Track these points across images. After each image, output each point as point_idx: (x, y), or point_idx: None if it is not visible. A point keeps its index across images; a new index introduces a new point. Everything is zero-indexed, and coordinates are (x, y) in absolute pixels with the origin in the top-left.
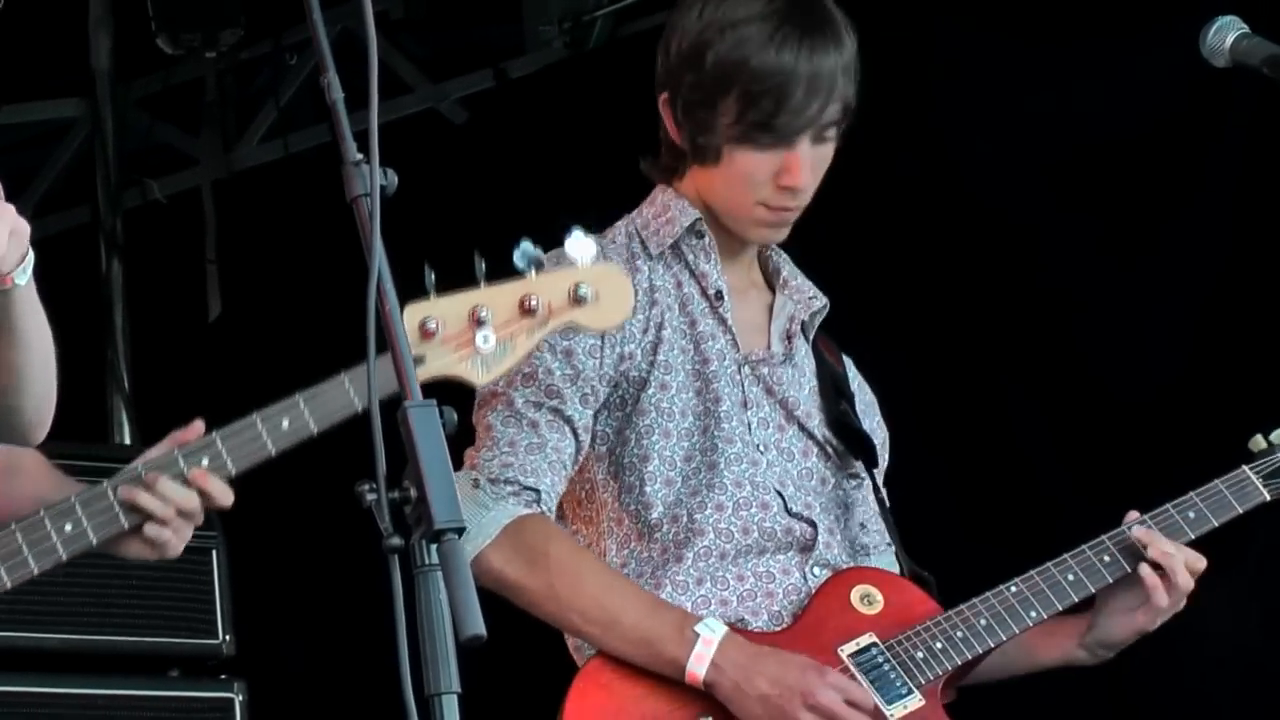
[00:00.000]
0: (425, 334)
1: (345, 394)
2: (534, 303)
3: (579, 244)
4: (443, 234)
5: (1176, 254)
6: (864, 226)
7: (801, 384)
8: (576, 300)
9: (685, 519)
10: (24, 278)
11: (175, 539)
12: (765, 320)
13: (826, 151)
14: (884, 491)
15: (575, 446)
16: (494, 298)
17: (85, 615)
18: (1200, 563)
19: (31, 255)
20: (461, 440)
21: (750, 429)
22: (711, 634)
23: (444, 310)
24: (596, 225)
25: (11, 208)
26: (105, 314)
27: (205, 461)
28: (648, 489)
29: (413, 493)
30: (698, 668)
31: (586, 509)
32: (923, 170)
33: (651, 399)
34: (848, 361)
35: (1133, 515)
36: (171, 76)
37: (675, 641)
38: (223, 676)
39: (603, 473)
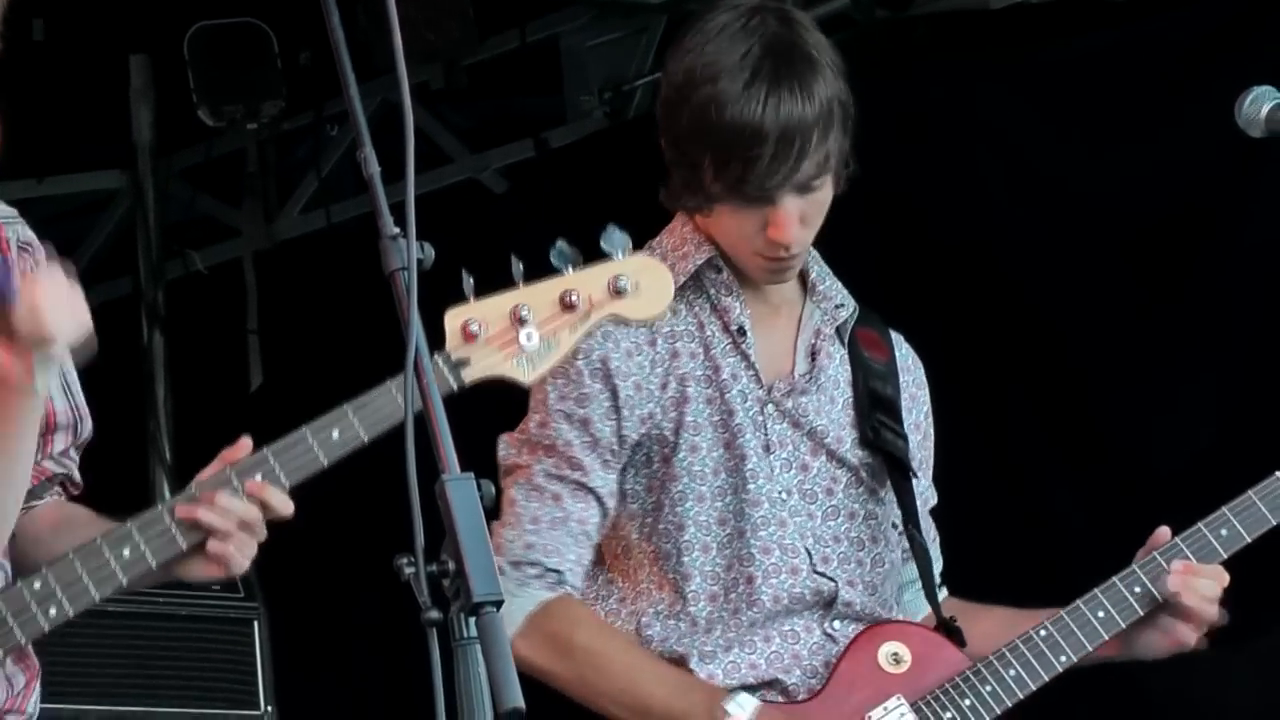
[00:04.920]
0: (468, 336)
1: (393, 400)
2: (574, 298)
3: (615, 237)
4: None
5: (1208, 322)
6: (894, 290)
7: (833, 401)
8: (616, 292)
9: (722, 598)
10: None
11: (239, 555)
12: (793, 339)
13: (819, 199)
14: (922, 505)
15: (601, 514)
16: (534, 296)
17: (127, 686)
18: (1224, 578)
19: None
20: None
21: (773, 475)
22: (741, 711)
23: (485, 312)
24: None
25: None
26: (147, 386)
27: (259, 476)
28: (685, 559)
29: (451, 566)
30: None
31: (624, 563)
32: (956, 237)
33: (683, 463)
34: (897, 341)
35: (1163, 533)
36: (213, 148)
37: None
38: None
39: (636, 533)
